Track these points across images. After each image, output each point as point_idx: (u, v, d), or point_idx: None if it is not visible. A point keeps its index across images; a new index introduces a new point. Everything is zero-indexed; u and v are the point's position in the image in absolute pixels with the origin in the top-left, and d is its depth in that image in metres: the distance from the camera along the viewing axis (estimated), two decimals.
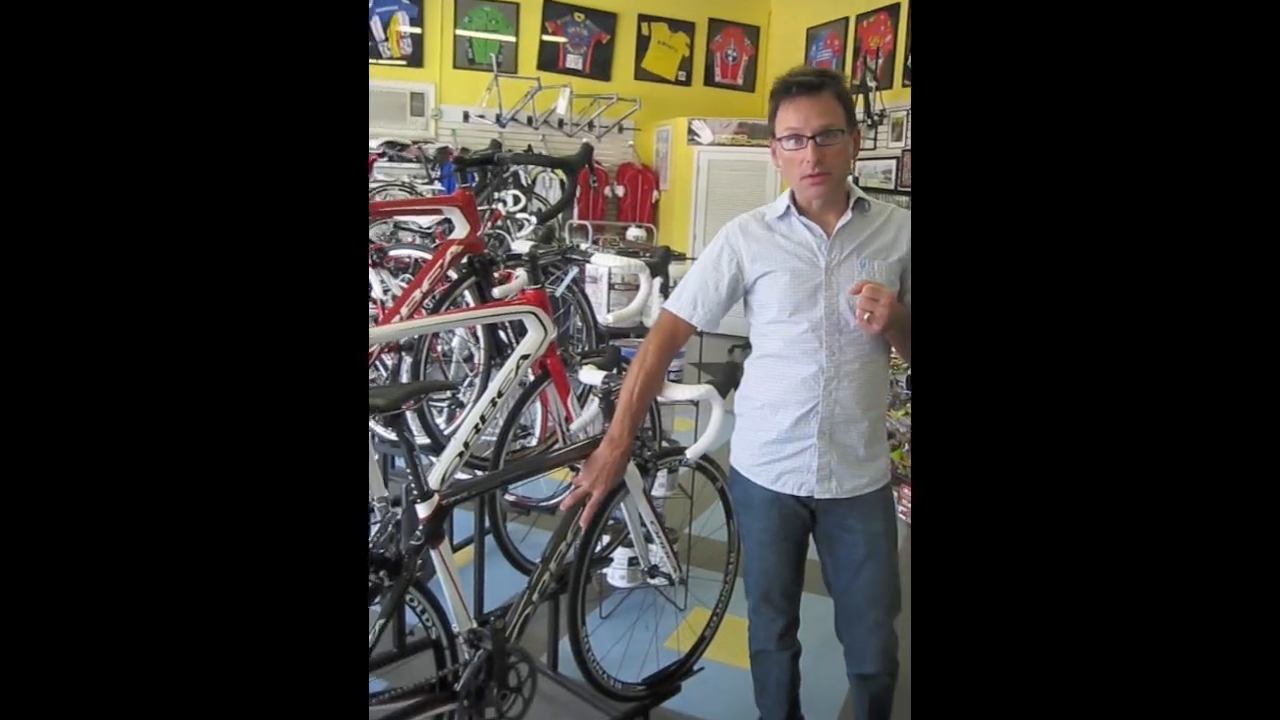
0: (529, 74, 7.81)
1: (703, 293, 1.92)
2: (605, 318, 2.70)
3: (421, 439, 2.56)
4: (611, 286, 2.74)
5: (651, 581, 2.41)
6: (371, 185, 4.49)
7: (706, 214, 7.86)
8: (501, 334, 2.69)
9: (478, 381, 2.66)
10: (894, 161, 7.03)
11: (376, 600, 1.69)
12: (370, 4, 7.30)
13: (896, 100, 7.05)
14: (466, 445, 2.09)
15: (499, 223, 3.99)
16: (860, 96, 6.73)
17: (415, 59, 7.61)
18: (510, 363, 2.19)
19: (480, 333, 2.67)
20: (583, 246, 2.55)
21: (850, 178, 1.90)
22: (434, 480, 1.84)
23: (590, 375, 2.11)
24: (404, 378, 2.98)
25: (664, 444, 2.37)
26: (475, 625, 1.82)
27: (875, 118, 7.02)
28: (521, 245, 2.36)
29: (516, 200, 4.34)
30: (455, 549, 1.80)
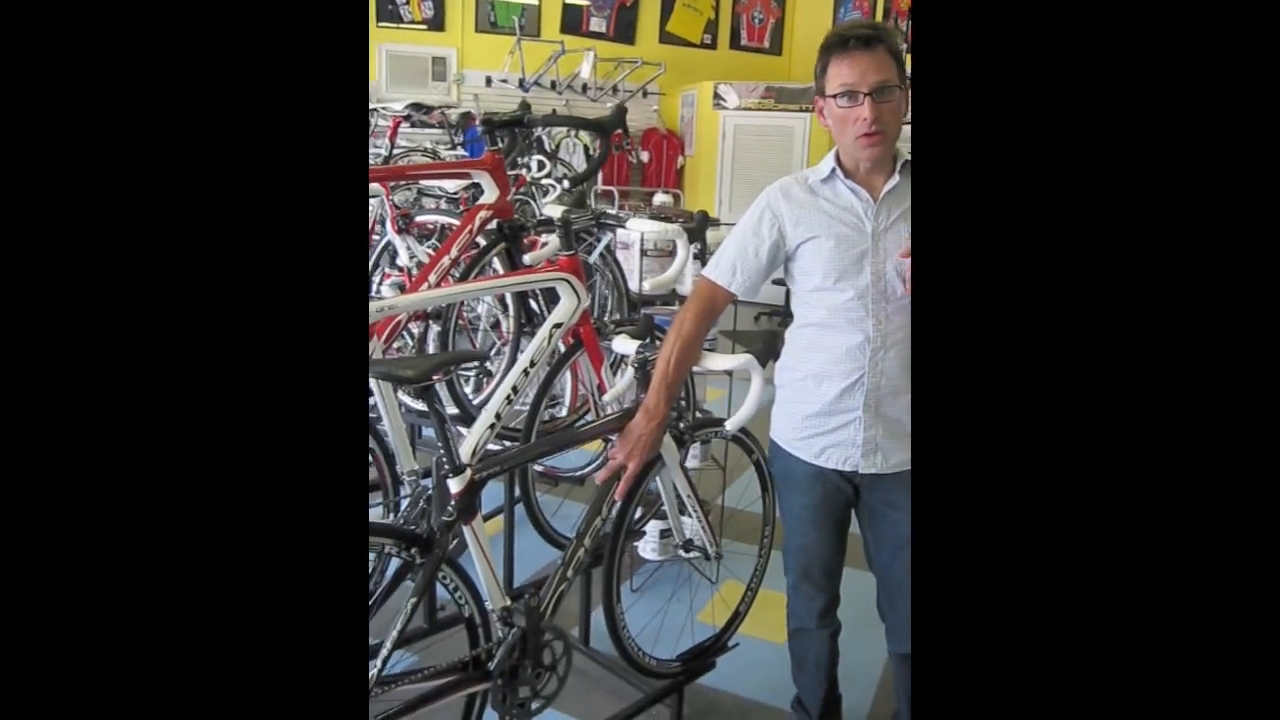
0: (552, 38, 7.68)
1: (742, 259, 1.84)
2: (640, 286, 2.62)
3: (449, 408, 2.50)
4: (644, 253, 2.66)
5: (684, 555, 2.36)
6: (395, 151, 4.41)
7: (732, 180, 7.76)
8: (532, 302, 2.63)
9: (507, 350, 2.59)
10: None
11: (409, 577, 1.65)
12: None
13: None
14: (498, 417, 2.02)
15: (523, 188, 3.91)
16: None
17: (436, 22, 7.48)
18: (542, 332, 2.12)
19: (510, 300, 2.60)
20: (613, 212, 2.47)
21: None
22: (465, 453, 1.78)
23: (624, 344, 2.04)
24: (431, 346, 2.92)
25: (698, 414, 2.31)
26: (509, 602, 1.77)
27: (907, 82, 6.84)
28: (553, 210, 2.28)
29: (541, 166, 4.24)
30: (484, 519, 1.76)
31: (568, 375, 2.74)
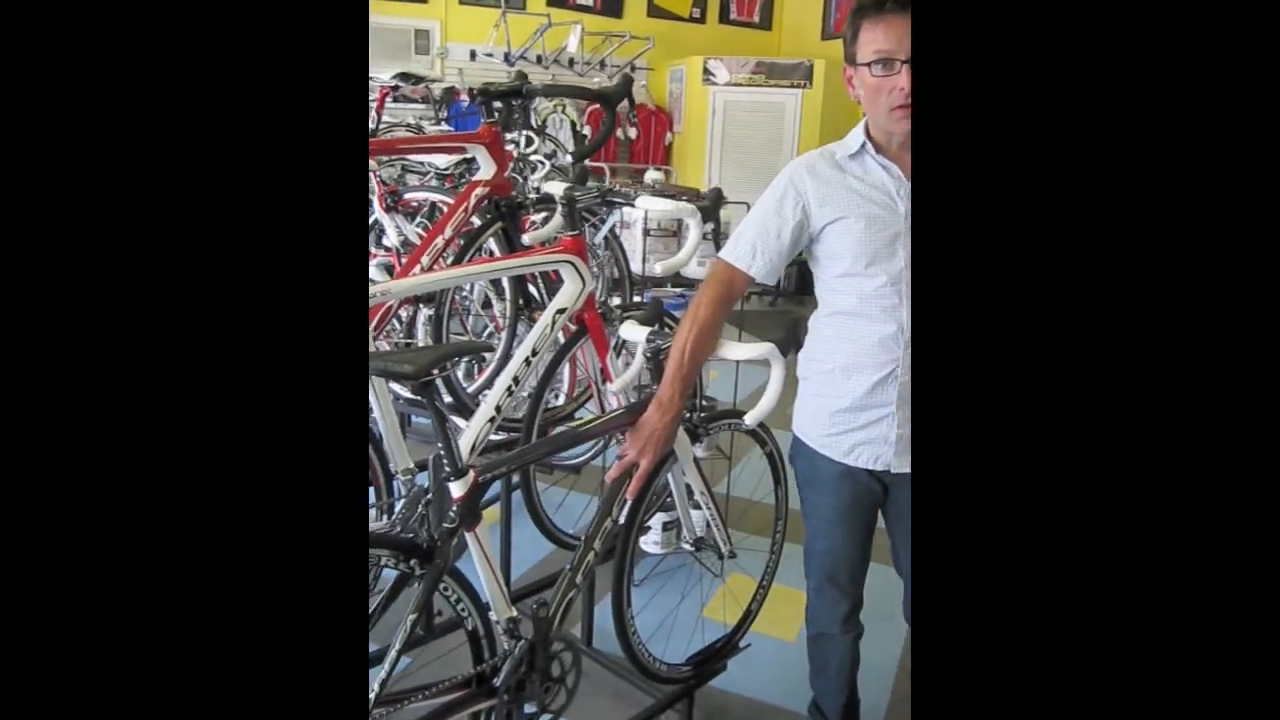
0: (538, 10, 7.47)
1: (763, 240, 1.70)
2: (649, 268, 2.48)
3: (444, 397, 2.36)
4: (647, 233, 2.51)
5: (685, 547, 2.24)
6: (378, 127, 4.24)
7: (722, 157, 7.61)
8: (530, 285, 2.48)
9: (502, 336, 2.45)
10: None
11: (409, 583, 1.51)
12: None
13: None
14: (498, 409, 1.89)
15: (511, 165, 3.75)
16: None
17: None
18: (545, 317, 1.98)
19: (506, 283, 2.45)
20: (620, 188, 2.32)
21: None
22: (464, 447, 1.65)
23: (631, 331, 1.90)
24: (420, 332, 2.77)
25: (701, 401, 2.17)
26: (514, 612, 1.64)
27: None
28: (553, 186, 2.12)
29: (529, 142, 4.08)
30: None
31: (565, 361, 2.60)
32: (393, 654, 1.42)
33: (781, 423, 1.96)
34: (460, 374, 2.77)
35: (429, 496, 1.50)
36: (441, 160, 3.11)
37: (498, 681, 1.58)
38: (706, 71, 7.60)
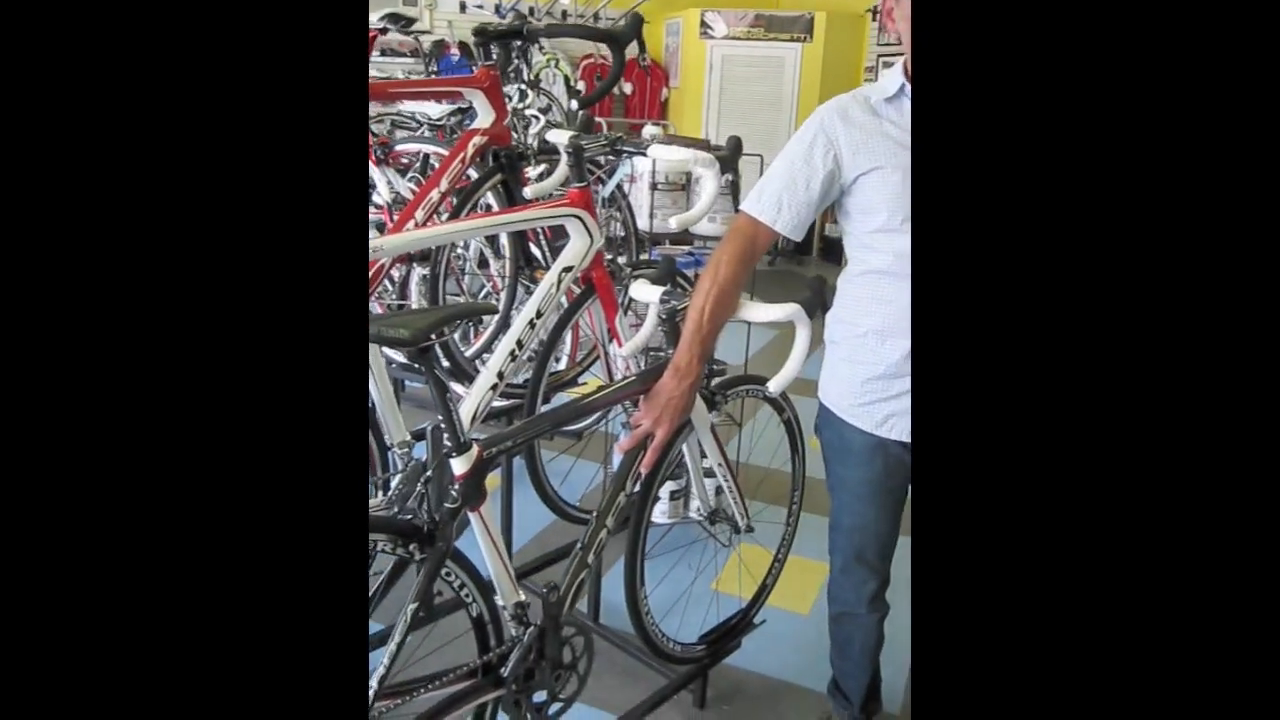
0: None
1: (789, 192, 1.56)
2: (660, 223, 2.33)
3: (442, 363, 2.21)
4: (654, 187, 2.36)
5: (697, 518, 2.12)
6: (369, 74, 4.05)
7: (720, 113, 7.42)
8: (530, 244, 2.33)
9: (504, 297, 2.30)
10: None
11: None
12: None
13: None
14: (500, 376, 1.76)
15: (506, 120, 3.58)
16: None
17: None
18: (550, 276, 1.84)
19: (505, 240, 2.30)
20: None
21: None
22: (464, 417, 1.51)
23: (643, 291, 1.75)
24: (414, 292, 2.62)
25: (711, 366, 2.05)
26: (522, 596, 1.51)
27: None
28: (557, 135, 1.97)
29: (523, 95, 3.91)
30: None
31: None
32: (393, 646, 1.29)
33: (800, 388, 1.83)
34: (456, 336, 2.63)
35: (428, 474, 1.36)
36: (434, 110, 2.94)
37: (505, 671, 1.47)
38: (704, 24, 7.40)
